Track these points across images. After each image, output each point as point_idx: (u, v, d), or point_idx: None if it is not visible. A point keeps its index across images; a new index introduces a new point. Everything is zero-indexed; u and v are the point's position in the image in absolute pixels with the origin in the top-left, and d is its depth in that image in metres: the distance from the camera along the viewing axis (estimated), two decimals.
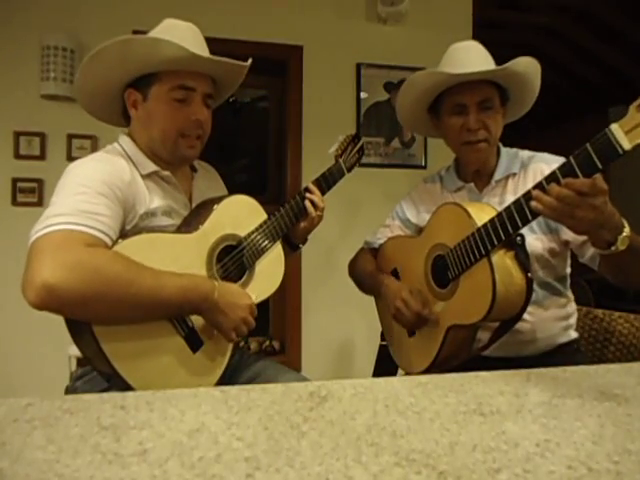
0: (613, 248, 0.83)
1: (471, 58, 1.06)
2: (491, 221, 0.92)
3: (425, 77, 1.07)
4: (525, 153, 1.15)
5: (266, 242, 1.07)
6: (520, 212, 0.87)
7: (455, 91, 1.07)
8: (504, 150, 1.16)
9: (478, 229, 0.93)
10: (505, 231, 0.89)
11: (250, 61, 1.04)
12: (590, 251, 0.99)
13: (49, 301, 0.72)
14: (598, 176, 0.74)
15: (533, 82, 1.11)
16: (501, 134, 1.25)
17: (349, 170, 1.26)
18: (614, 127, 0.72)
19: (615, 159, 0.73)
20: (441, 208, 1.07)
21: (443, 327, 1.01)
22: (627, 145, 0.71)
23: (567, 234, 1.02)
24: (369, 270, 1.27)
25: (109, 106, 1.02)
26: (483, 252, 0.92)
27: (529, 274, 0.91)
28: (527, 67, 1.06)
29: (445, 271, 1.02)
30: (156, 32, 0.95)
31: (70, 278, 0.72)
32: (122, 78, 0.96)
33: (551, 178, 0.79)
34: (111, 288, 0.76)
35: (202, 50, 0.96)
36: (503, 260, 0.92)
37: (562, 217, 0.78)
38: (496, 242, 0.90)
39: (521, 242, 0.91)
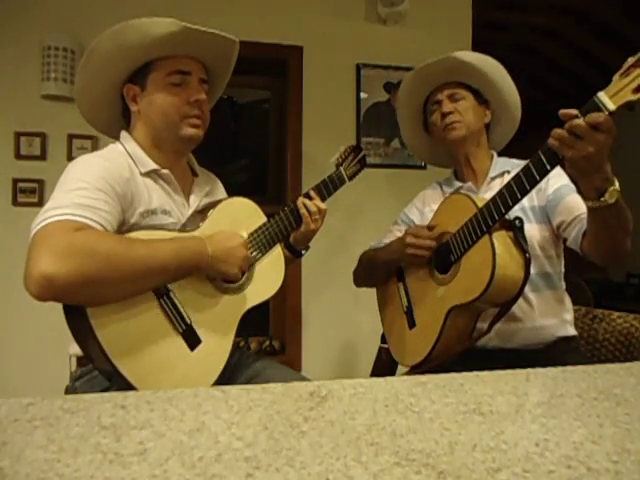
0: (603, 199, 0.85)
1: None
2: (492, 199, 0.97)
3: (403, 87, 1.27)
4: (518, 160, 1.22)
5: (265, 244, 1.07)
6: (519, 184, 0.92)
7: (431, 95, 1.24)
8: (497, 157, 1.25)
9: (480, 209, 0.98)
10: (505, 205, 0.94)
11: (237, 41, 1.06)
12: (576, 229, 1.03)
13: (50, 290, 0.73)
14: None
15: (497, 79, 1.19)
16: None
17: (350, 178, 1.26)
18: (600, 94, 0.81)
19: None
20: (445, 200, 1.13)
21: (443, 312, 1.03)
22: (612, 106, 0.79)
23: (559, 216, 1.07)
24: (376, 251, 1.31)
25: (108, 108, 1.04)
26: (485, 229, 0.95)
27: (527, 254, 0.94)
28: (481, 61, 1.16)
29: (448, 258, 1.04)
30: None
31: (66, 263, 0.73)
32: (119, 72, 0.98)
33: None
34: (107, 264, 0.77)
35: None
36: (503, 238, 0.95)
37: (564, 147, 0.83)
38: (497, 217, 0.94)
39: (520, 224, 0.96)
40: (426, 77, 1.21)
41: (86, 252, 0.75)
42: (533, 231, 1.08)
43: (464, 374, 0.64)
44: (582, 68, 4.18)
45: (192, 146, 1.07)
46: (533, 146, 1.23)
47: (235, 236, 0.97)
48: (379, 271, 1.29)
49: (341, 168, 1.24)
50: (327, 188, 1.20)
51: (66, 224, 0.78)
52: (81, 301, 0.78)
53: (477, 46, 2.26)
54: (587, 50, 3.84)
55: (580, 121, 0.80)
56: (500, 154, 1.27)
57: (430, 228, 1.11)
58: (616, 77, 0.80)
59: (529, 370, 0.67)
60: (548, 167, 0.88)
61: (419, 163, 2.30)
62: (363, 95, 2.27)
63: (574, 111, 0.81)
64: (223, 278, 0.96)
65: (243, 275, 1.01)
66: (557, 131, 0.83)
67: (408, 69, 2.24)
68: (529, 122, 1.25)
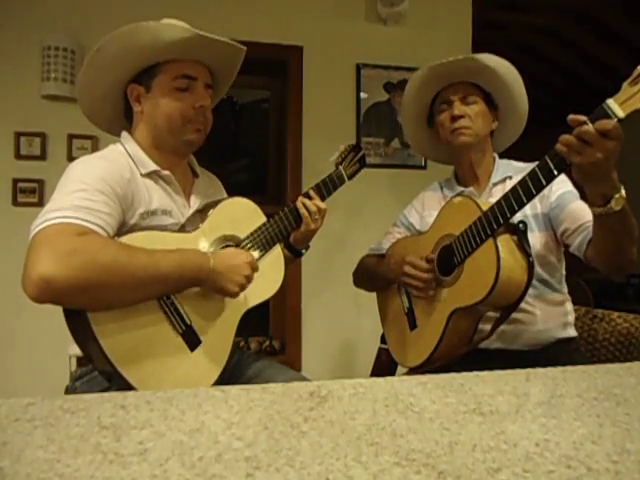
0: (608, 206, 0.86)
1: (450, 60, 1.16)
2: (497, 203, 0.97)
3: (414, 80, 1.22)
4: (519, 163, 1.22)
5: (265, 244, 1.07)
6: (525, 188, 0.92)
7: (442, 92, 1.21)
8: (499, 160, 1.24)
9: (485, 212, 0.98)
10: (511, 209, 0.94)
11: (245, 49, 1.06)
12: (580, 237, 1.03)
13: (48, 293, 0.73)
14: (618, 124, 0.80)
15: (511, 84, 1.18)
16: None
17: (350, 178, 1.26)
18: (609, 101, 0.80)
19: None
20: (449, 202, 1.12)
21: (445, 314, 1.02)
22: (621, 114, 0.79)
23: (563, 223, 1.07)
24: (376, 262, 1.30)
25: (111, 107, 1.03)
26: (489, 232, 0.95)
27: (531, 258, 0.94)
28: (499, 65, 1.14)
29: (451, 260, 1.04)
30: None
31: (65, 267, 0.72)
32: (125, 72, 0.97)
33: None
34: (108, 271, 0.76)
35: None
36: (507, 242, 0.95)
37: (572, 153, 0.82)
38: (502, 220, 0.94)
39: (524, 228, 0.96)
40: (439, 74, 1.18)
41: (88, 258, 0.75)
42: (534, 240, 1.07)
43: (464, 374, 0.64)
44: (582, 68, 4.18)
45: (193, 149, 1.07)
46: (532, 145, 1.24)
47: (242, 254, 0.95)
48: (377, 282, 1.30)
49: (341, 167, 1.24)
50: (327, 188, 1.20)
51: (67, 227, 0.77)
52: (78, 305, 0.78)
53: (477, 46, 2.26)
54: (587, 50, 3.84)
55: (589, 127, 0.79)
56: (500, 154, 1.26)
57: (429, 260, 1.10)
58: (625, 85, 0.79)
59: (529, 370, 0.67)
60: (555, 172, 0.87)
61: (419, 163, 2.30)
62: (363, 95, 2.27)
63: (583, 117, 0.81)
64: (222, 294, 0.94)
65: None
66: (565, 137, 0.82)
67: (408, 69, 2.25)
68: (529, 121, 1.25)
